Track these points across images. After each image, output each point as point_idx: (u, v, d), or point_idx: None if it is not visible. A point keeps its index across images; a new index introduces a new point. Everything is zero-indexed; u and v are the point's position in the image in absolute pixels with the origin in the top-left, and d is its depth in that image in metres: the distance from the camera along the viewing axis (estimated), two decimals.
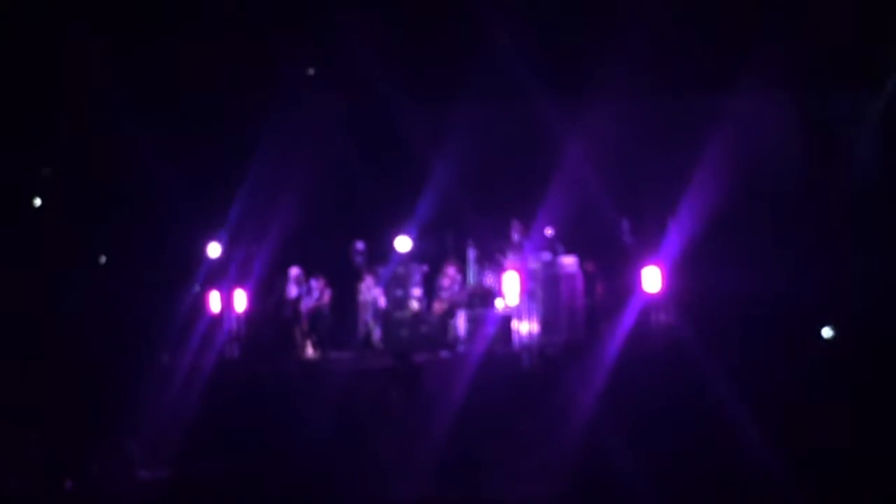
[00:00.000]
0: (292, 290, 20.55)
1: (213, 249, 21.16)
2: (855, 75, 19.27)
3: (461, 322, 19.34)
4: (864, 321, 15.93)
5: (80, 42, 20.62)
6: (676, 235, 17.72)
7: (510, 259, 18.81)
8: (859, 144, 19.55)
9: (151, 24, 20.84)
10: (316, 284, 20.53)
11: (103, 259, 23.05)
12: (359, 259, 20.80)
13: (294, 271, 20.64)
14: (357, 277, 20.75)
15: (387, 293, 20.35)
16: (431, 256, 20.56)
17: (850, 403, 14.31)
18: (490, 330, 18.57)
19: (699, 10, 18.69)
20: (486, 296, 19.40)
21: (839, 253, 17.63)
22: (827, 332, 17.05)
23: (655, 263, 17.31)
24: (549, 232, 18.84)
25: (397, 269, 20.37)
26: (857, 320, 16.13)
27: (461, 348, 19.04)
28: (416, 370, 17.59)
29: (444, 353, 19.12)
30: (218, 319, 20.60)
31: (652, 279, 17.24)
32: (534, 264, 18.49)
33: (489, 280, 19.52)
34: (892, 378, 14.57)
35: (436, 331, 19.85)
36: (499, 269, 19.10)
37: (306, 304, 20.47)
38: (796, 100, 19.89)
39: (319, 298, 20.49)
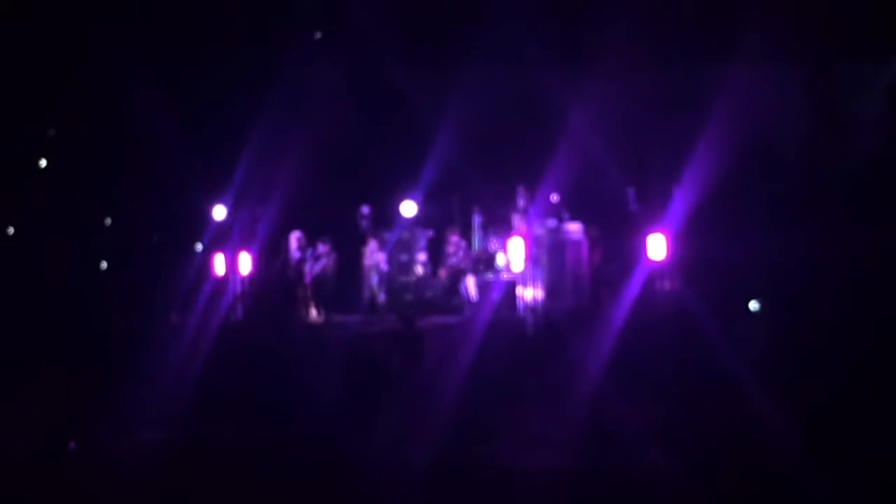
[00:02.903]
0: (295, 254, 20.51)
1: (219, 212, 21.11)
2: (860, 46, 19.29)
3: (468, 287, 19.35)
4: (870, 289, 15.96)
5: (83, 2, 20.63)
6: (681, 203, 17.74)
7: (515, 225, 18.79)
8: (864, 115, 19.60)
9: None
10: (322, 248, 20.47)
11: (108, 221, 23.07)
12: (364, 223, 20.73)
13: (295, 235, 20.52)
14: (362, 242, 20.69)
15: (392, 258, 20.35)
16: (437, 221, 20.55)
17: (858, 368, 14.37)
18: (495, 296, 18.56)
19: None
20: (491, 261, 19.39)
21: (843, 222, 17.68)
22: (754, 305, 17.17)
23: (660, 231, 17.33)
24: (554, 198, 18.82)
25: (402, 233, 20.39)
26: (863, 288, 16.16)
27: (466, 313, 19.06)
28: (420, 335, 17.62)
29: (448, 318, 19.09)
30: (223, 282, 20.61)
31: (657, 246, 17.23)
32: (539, 230, 18.48)
33: (494, 246, 19.50)
34: None
35: (440, 296, 19.89)
36: (504, 234, 19.07)
37: (312, 268, 20.43)
38: (801, 70, 19.93)
39: (325, 262, 20.46)
